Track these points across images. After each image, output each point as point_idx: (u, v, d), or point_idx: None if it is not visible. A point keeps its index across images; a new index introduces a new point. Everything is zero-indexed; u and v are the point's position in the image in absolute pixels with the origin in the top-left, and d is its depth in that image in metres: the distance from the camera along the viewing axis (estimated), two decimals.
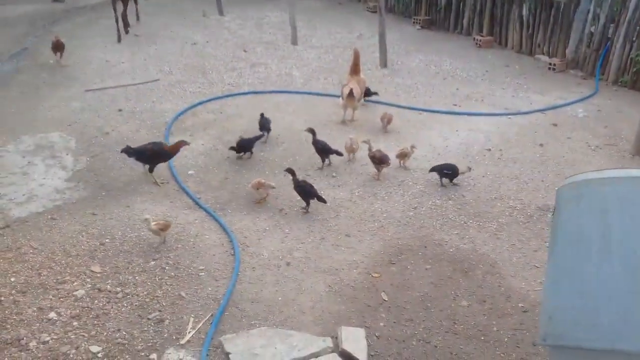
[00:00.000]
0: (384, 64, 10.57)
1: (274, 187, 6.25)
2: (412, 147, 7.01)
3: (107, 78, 9.80)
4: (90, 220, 5.86)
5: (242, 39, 12.12)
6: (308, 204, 6.09)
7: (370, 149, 6.73)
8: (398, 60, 10.92)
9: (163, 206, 6.17)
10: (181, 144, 6.69)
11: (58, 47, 10.12)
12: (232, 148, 7.12)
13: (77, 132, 7.84)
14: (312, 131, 6.98)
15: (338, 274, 5.14)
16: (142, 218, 5.46)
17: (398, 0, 14.27)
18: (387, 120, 7.92)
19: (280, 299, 4.81)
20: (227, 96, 9.13)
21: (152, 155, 6.58)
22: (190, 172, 6.86)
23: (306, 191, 6.04)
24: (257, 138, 7.27)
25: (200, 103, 8.74)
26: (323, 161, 7.01)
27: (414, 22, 13.45)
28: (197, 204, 6.21)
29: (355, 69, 8.36)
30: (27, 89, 9.31)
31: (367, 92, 8.76)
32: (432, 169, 6.65)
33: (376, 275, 5.13)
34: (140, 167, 6.88)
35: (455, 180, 6.66)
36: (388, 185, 6.61)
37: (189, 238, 5.60)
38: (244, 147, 7.12)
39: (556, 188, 3.16)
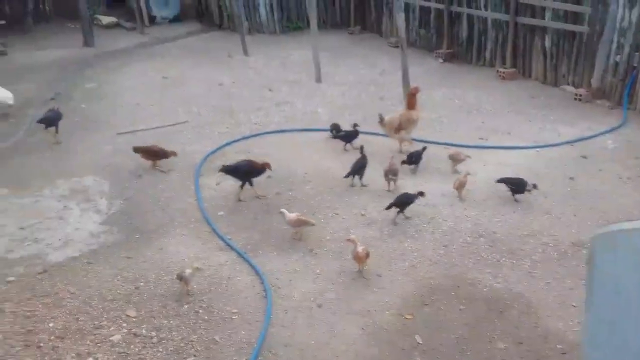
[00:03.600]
0: None
1: (313, 224, 6.26)
2: (467, 174, 7.13)
3: (138, 121, 10.06)
4: (125, 264, 5.97)
5: (267, 78, 12.37)
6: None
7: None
8: (422, 95, 10.97)
9: (195, 248, 6.26)
10: (267, 165, 7.31)
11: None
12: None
13: (110, 175, 8.04)
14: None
15: (370, 315, 5.12)
16: (193, 266, 5.46)
17: (419, 34, 14.44)
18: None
19: (313, 342, 4.81)
20: (254, 136, 9.29)
21: (246, 172, 7.18)
22: (220, 213, 6.96)
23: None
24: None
25: (228, 143, 8.90)
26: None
27: (436, 56, 13.57)
28: (228, 245, 6.28)
29: (410, 104, 8.43)
30: (62, 133, 9.57)
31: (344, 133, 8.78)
32: (500, 180, 6.89)
33: (409, 316, 5.10)
34: (172, 210, 7.02)
35: (518, 197, 6.76)
36: (417, 223, 6.60)
37: (221, 280, 5.66)
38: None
39: (590, 235, 3.13)
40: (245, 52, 14.11)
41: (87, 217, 6.99)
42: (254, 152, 8.66)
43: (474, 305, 5.24)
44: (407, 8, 13.90)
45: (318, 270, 5.80)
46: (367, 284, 5.55)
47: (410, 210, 6.74)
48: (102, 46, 15.56)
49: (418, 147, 8.14)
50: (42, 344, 4.78)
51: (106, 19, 18.17)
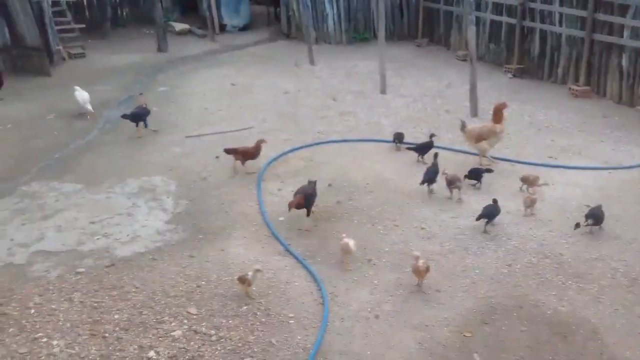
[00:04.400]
0: (474, 113, 10.48)
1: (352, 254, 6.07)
2: (538, 192, 7.03)
3: (206, 125, 10.35)
4: (188, 262, 6.13)
5: (332, 88, 12.46)
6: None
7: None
8: (489, 110, 10.74)
9: (255, 251, 6.36)
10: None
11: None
12: None
13: (177, 176, 8.30)
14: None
15: (428, 330, 5.04)
16: (254, 268, 5.52)
17: (489, 48, 14.19)
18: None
19: (369, 353, 4.78)
20: (317, 144, 9.36)
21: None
22: (281, 219, 7.04)
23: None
24: None
25: (291, 150, 9.01)
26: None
27: (505, 71, 13.27)
28: (287, 250, 6.35)
29: (496, 118, 8.34)
30: (133, 134, 10.00)
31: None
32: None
33: (468, 334, 4.99)
34: (234, 213, 7.18)
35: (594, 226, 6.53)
36: (480, 240, 6.46)
37: (279, 284, 5.72)
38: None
39: None
40: (312, 62, 14.28)
41: (154, 215, 7.24)
42: (316, 160, 8.75)
43: (536, 328, 5.06)
44: (478, 22, 13.65)
45: (376, 281, 5.77)
46: (426, 299, 5.47)
47: (473, 228, 6.62)
48: (174, 52, 16.15)
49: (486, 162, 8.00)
50: (107, 335, 4.98)
51: (179, 26, 18.87)
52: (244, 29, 18.95)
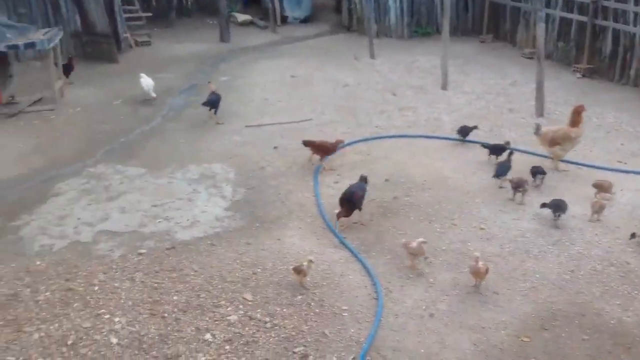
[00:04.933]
0: (540, 113, 10.15)
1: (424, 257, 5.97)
2: (609, 198, 6.79)
3: (265, 115, 10.47)
4: (245, 250, 6.23)
5: (392, 82, 12.35)
6: None
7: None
8: (556, 110, 10.42)
9: (310, 242, 6.39)
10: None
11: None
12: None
13: (236, 164, 8.43)
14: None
15: (484, 332, 4.94)
16: (307, 259, 5.55)
17: (557, 47, 13.69)
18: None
19: (422, 351, 4.73)
20: (375, 138, 9.31)
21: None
22: (336, 211, 7.03)
23: None
24: None
25: (349, 144, 8.99)
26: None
27: (574, 70, 12.78)
28: (342, 243, 6.35)
29: (574, 121, 8.02)
30: (195, 122, 10.23)
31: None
32: None
33: (526, 339, 4.85)
34: (291, 203, 7.23)
35: None
36: (542, 244, 6.26)
37: (333, 277, 5.73)
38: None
39: None
40: (372, 55, 14.18)
41: (213, 201, 7.39)
42: (374, 154, 8.69)
43: (598, 337, 4.88)
44: (547, 19, 13.19)
45: (432, 280, 5.69)
46: (483, 300, 5.35)
47: (534, 230, 6.43)
48: (236, 42, 16.38)
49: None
50: (166, 315, 5.12)
51: (242, 17, 19.11)
52: (305, 21, 19.02)
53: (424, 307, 5.27)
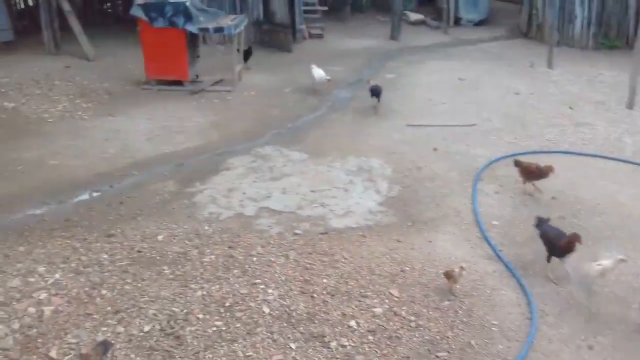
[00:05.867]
0: None
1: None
2: None
3: (428, 116, 10.35)
4: (395, 246, 6.23)
5: (569, 95, 11.51)
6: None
7: None
8: None
9: (463, 250, 6.21)
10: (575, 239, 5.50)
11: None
12: None
13: (393, 161, 8.45)
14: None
15: None
16: (459, 265, 5.44)
17: None
18: None
19: None
20: (545, 152, 8.74)
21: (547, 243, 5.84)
22: (494, 222, 6.77)
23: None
24: None
25: (515, 154, 8.53)
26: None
27: None
28: (497, 256, 6.08)
29: None
30: (358, 115, 10.44)
31: None
32: None
33: None
34: (446, 207, 7.08)
35: None
36: None
37: (485, 289, 5.51)
38: None
39: None
40: (550, 65, 13.33)
41: (368, 194, 7.48)
42: None
43: None
44: None
45: (594, 310, 5.23)
46: None
47: None
48: (406, 41, 16.39)
49: None
50: (315, 295, 5.30)
51: (414, 16, 19.06)
52: (479, 23, 18.45)
53: (582, 338, 4.87)
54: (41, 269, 5.53)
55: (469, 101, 11.10)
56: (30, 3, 16.71)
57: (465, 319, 5.05)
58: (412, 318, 5.03)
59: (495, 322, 5.03)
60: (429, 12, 19.47)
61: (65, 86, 11.34)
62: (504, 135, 9.37)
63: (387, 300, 5.27)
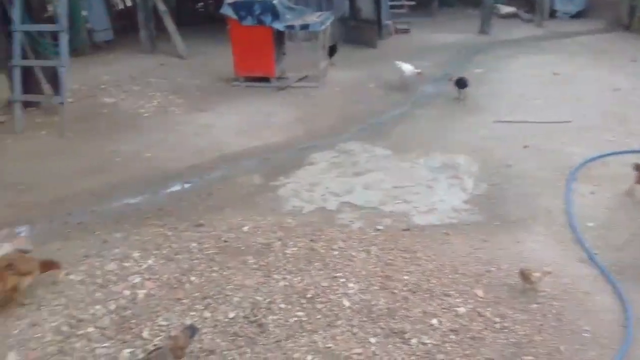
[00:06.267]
0: None
1: None
2: None
3: (518, 112, 9.96)
4: (480, 245, 6.05)
5: None
6: None
7: None
8: None
9: (553, 252, 5.92)
10: None
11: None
12: None
13: (480, 158, 8.20)
14: None
15: None
16: (543, 270, 5.26)
17: None
18: None
19: None
20: None
21: None
22: (589, 224, 6.40)
23: None
24: None
25: (613, 153, 8.05)
26: None
27: None
28: (592, 260, 5.74)
29: None
30: (444, 111, 10.22)
31: None
32: None
33: None
34: (536, 207, 6.79)
35: None
36: None
37: (577, 293, 5.23)
38: None
39: None
40: None
41: (452, 192, 7.31)
42: None
43: None
44: None
45: None
46: None
47: None
48: (496, 35, 15.87)
49: None
50: (395, 291, 5.25)
51: (505, 9, 18.42)
52: (576, 15, 17.55)
53: None
54: (136, 254, 5.85)
55: (563, 97, 10.57)
56: (129, 4, 17.71)
57: (554, 323, 4.82)
58: (497, 319, 4.86)
59: (587, 328, 4.76)
60: (521, 5, 18.73)
61: (160, 83, 11.93)
62: (601, 134, 8.84)
63: (470, 300, 5.13)
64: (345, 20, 15.68)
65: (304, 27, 11.84)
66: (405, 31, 16.65)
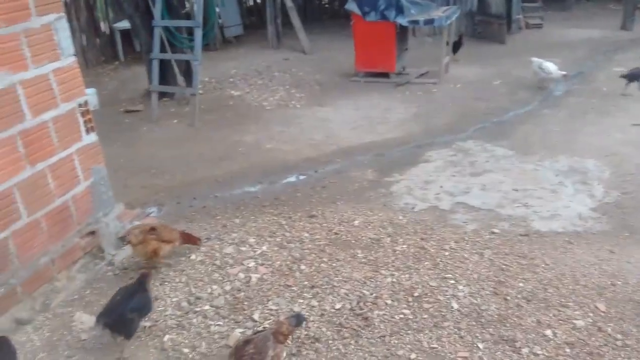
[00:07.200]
0: None
1: None
2: None
3: None
4: (606, 257, 5.61)
5: None
6: None
7: None
8: None
9: None
10: None
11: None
12: None
13: (613, 164, 7.60)
14: None
15: None
16: None
17: None
18: None
19: None
20: None
21: None
22: None
23: None
24: None
25: None
26: None
27: None
28: None
29: None
30: (574, 111, 9.58)
31: None
32: None
33: None
34: None
35: None
36: None
37: None
38: None
39: None
40: None
41: (579, 198, 6.85)
42: None
43: None
44: None
45: None
46: None
47: None
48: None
49: None
50: (508, 298, 5.03)
51: None
52: None
53: None
54: (251, 240, 6.13)
55: None
56: (258, 0, 18.49)
57: None
58: (619, 336, 4.49)
59: None
60: None
61: (283, 77, 12.36)
62: None
63: (591, 314, 4.78)
64: (472, 14, 15.19)
65: (429, 22, 11.64)
66: (538, 26, 15.78)
